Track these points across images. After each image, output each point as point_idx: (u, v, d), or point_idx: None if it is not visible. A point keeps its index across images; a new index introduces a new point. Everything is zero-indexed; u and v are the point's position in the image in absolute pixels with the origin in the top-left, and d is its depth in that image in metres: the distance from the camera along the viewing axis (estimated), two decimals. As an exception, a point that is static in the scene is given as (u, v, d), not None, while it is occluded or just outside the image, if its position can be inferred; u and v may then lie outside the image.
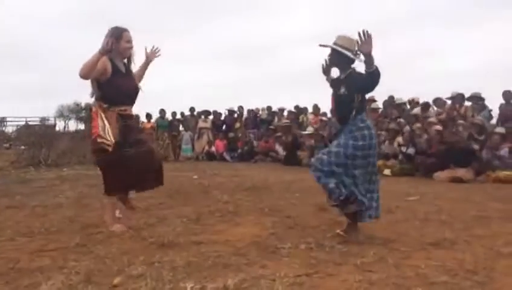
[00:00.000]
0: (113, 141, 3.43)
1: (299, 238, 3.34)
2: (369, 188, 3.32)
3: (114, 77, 3.49)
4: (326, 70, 3.59)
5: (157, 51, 3.91)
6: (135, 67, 3.81)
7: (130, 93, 3.66)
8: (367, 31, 3.09)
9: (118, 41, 3.50)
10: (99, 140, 3.43)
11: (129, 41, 3.59)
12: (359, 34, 3.10)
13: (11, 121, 29.17)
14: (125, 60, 3.68)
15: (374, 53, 3.10)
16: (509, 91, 9.11)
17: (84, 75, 3.36)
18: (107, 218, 3.70)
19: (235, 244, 3.17)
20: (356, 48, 3.26)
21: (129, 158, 3.47)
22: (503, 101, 9.25)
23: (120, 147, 3.47)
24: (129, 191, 3.78)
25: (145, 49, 3.88)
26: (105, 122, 3.45)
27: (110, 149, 3.43)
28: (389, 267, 2.64)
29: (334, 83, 3.50)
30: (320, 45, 3.45)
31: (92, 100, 3.65)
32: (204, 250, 3.02)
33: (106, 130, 3.43)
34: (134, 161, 3.49)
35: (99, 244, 3.19)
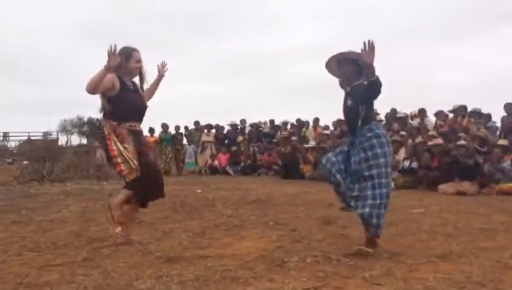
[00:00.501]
0: (136, 163, 3.48)
1: (306, 251, 3.34)
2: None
3: (123, 93, 3.53)
4: (343, 84, 3.62)
5: (165, 64, 3.98)
6: (147, 85, 3.86)
7: (139, 109, 3.70)
8: (372, 41, 3.13)
9: (127, 60, 3.56)
10: (130, 178, 3.49)
11: (138, 61, 3.65)
12: (364, 43, 3.14)
13: (14, 136, 29.35)
14: (135, 79, 3.74)
15: (375, 63, 3.15)
16: (510, 103, 9.15)
17: (90, 90, 3.39)
18: (115, 213, 3.66)
19: (242, 258, 3.18)
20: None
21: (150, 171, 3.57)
22: (505, 114, 9.30)
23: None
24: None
25: (158, 65, 3.95)
26: (119, 145, 3.48)
27: (138, 174, 3.49)
28: (397, 281, 2.64)
29: (344, 97, 3.55)
30: (328, 61, 3.53)
31: (101, 116, 3.69)
32: (211, 264, 3.02)
33: (126, 157, 3.46)
34: (154, 174, 3.62)
35: (106, 259, 3.20)
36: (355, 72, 3.41)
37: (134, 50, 3.63)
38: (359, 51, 3.19)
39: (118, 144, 3.48)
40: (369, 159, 3.26)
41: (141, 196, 3.63)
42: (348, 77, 3.47)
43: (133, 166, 3.47)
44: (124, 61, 3.54)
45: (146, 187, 3.56)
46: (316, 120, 12.96)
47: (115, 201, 3.68)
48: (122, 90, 3.54)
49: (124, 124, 3.55)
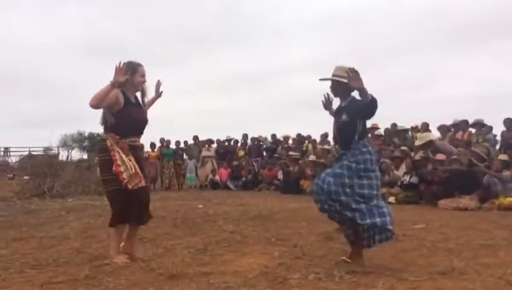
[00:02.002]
0: (136, 172, 3.48)
1: (308, 268, 3.34)
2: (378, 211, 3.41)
3: (126, 108, 3.59)
4: (327, 105, 3.73)
5: (161, 84, 4.09)
6: (147, 99, 3.93)
7: (141, 125, 3.76)
8: (353, 68, 3.29)
9: (133, 75, 3.62)
10: (131, 186, 3.47)
11: (143, 75, 3.72)
12: (347, 72, 3.31)
13: (15, 151, 29.35)
14: (137, 93, 3.80)
15: (366, 85, 3.28)
16: (510, 119, 9.19)
17: (94, 106, 3.43)
18: (111, 249, 3.69)
19: (244, 275, 3.17)
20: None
21: (137, 190, 3.54)
22: (504, 128, 9.33)
23: None
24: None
25: (156, 85, 4.05)
26: (123, 155, 3.49)
27: (143, 183, 3.51)
28: (399, 298, 2.64)
29: (336, 112, 3.67)
30: (321, 79, 3.66)
31: (101, 129, 3.72)
32: (213, 281, 3.02)
33: (129, 165, 3.48)
34: (140, 194, 3.58)
35: (108, 276, 3.19)
36: (348, 90, 3.50)
37: (140, 65, 3.70)
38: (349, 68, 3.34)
39: (122, 155, 3.51)
40: (367, 171, 3.38)
41: (125, 211, 3.59)
42: (341, 93, 3.58)
43: (137, 172, 3.49)
44: (130, 76, 3.60)
45: (127, 204, 3.55)
46: (324, 136, 12.83)
47: (111, 251, 3.66)
48: (126, 105, 3.59)
49: (125, 140, 3.58)
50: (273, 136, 14.35)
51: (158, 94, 4.08)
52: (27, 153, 26.55)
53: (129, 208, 3.57)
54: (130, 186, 3.47)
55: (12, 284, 3.08)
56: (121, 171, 3.47)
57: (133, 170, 3.47)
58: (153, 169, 13.25)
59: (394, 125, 11.17)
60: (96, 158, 3.73)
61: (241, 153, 14.31)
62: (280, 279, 3.06)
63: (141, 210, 3.66)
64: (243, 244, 4.34)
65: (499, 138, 9.50)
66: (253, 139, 14.55)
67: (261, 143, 14.40)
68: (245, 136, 14.73)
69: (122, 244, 3.78)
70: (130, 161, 3.51)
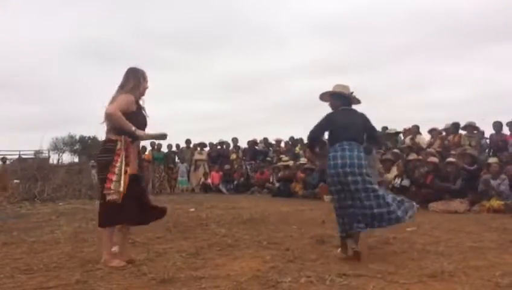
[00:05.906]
0: (122, 191, 3.48)
1: (299, 271, 3.36)
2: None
3: (136, 113, 3.69)
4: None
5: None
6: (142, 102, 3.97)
7: (144, 128, 3.81)
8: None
9: (144, 81, 3.76)
10: (109, 199, 3.47)
11: (148, 81, 3.83)
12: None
13: (5, 155, 28.97)
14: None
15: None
16: (499, 122, 9.31)
17: (110, 120, 3.56)
18: (105, 254, 3.69)
19: (236, 279, 3.18)
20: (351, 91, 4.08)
21: (138, 192, 3.59)
22: (493, 131, 9.44)
23: (133, 182, 3.60)
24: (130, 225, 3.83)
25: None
26: (123, 166, 3.50)
27: (119, 200, 3.48)
28: (390, 300, 2.67)
29: None
30: (322, 95, 4.22)
31: (106, 129, 3.71)
32: (205, 285, 3.03)
33: (121, 179, 3.48)
34: (141, 195, 3.63)
35: (99, 281, 3.18)
36: (342, 103, 4.10)
37: (145, 72, 3.81)
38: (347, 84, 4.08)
39: (123, 164, 3.52)
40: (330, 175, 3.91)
41: (109, 209, 3.59)
42: (337, 106, 4.11)
43: (121, 190, 3.49)
44: (143, 82, 3.74)
45: (122, 206, 3.54)
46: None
47: (105, 253, 3.68)
48: (137, 110, 3.71)
49: (135, 143, 3.71)
50: (265, 139, 14.38)
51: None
52: (17, 156, 26.26)
53: (123, 210, 3.56)
54: (108, 197, 3.48)
55: (3, 289, 3.06)
56: (111, 179, 3.48)
57: (121, 188, 3.47)
58: (145, 171, 13.19)
59: (385, 128, 11.25)
60: (98, 158, 3.71)
61: (234, 156, 14.31)
62: (272, 282, 3.08)
63: (142, 210, 3.70)
64: (235, 248, 4.34)
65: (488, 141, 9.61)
66: (249, 142, 14.56)
67: (256, 146, 14.38)
68: (235, 139, 14.72)
69: (116, 248, 3.78)
70: (126, 173, 3.51)
